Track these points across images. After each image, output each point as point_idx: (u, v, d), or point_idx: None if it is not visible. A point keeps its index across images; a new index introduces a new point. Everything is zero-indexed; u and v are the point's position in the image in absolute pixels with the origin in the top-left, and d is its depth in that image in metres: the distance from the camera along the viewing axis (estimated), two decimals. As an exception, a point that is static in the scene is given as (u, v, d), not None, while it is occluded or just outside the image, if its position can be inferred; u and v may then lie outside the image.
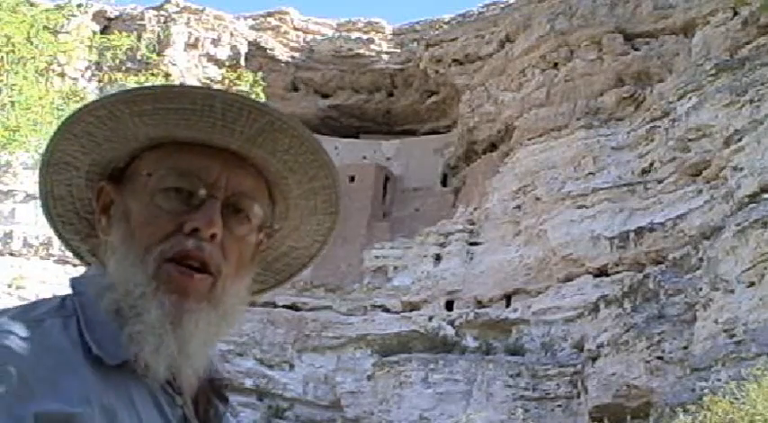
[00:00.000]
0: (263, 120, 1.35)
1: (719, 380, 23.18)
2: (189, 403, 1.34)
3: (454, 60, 50.10)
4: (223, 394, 1.41)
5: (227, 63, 48.88)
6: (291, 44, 53.82)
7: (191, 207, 1.32)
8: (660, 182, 37.19)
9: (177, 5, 50.76)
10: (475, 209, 45.45)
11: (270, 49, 52.78)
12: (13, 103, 10.02)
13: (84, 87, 25.19)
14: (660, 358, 29.71)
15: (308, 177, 1.42)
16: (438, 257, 44.30)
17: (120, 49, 13.55)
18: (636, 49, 42.12)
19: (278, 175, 1.41)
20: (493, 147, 47.64)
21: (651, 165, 38.22)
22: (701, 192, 34.95)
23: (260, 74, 17.70)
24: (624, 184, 38.63)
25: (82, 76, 39.65)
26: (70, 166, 1.41)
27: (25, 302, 1.35)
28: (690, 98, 36.10)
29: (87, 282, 1.35)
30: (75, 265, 40.73)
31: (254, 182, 1.38)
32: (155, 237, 1.32)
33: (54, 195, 1.43)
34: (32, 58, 10.40)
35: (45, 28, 10.78)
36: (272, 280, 1.54)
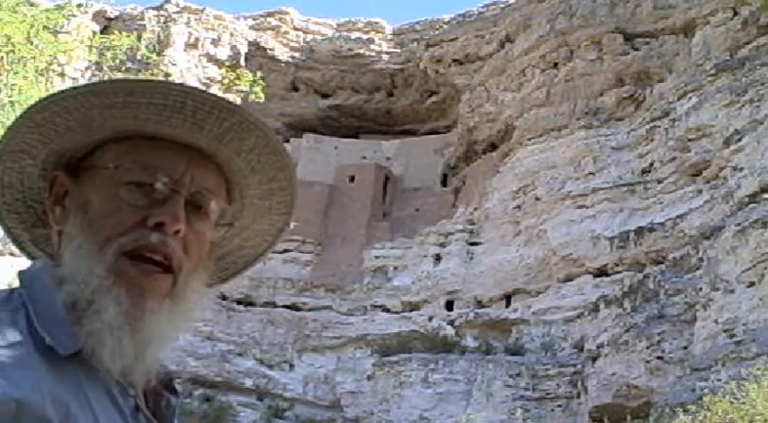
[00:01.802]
0: (233, 119, 1.35)
1: (719, 380, 23.16)
2: (140, 395, 1.34)
3: (454, 60, 50.10)
4: (173, 387, 1.41)
5: (227, 63, 48.93)
6: (291, 44, 53.82)
7: (154, 202, 1.32)
8: (660, 182, 37.18)
9: (177, 5, 50.77)
10: (475, 209, 45.45)
11: (270, 49, 52.78)
12: (12, 103, 10.01)
13: (84, 87, 25.12)
14: (660, 358, 29.69)
15: (268, 178, 1.43)
16: (438, 257, 44.29)
17: (120, 49, 13.55)
18: (636, 49, 42.11)
19: (240, 174, 1.42)
20: (493, 147, 47.63)
21: (651, 165, 38.22)
22: (700, 192, 34.94)
23: (260, 74, 17.70)
24: (624, 184, 38.63)
25: (82, 76, 39.62)
26: (26, 154, 1.39)
27: None
28: (690, 98, 36.10)
29: (36, 274, 1.33)
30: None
31: (215, 179, 1.39)
32: (116, 229, 1.31)
33: (3, 183, 1.42)
34: (32, 58, 10.39)
35: (45, 28, 10.77)
36: (214, 277, 1.51)
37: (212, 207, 1.38)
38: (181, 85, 1.34)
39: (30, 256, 1.48)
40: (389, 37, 54.21)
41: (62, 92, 1.34)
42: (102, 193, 1.34)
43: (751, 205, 28.78)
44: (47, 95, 1.35)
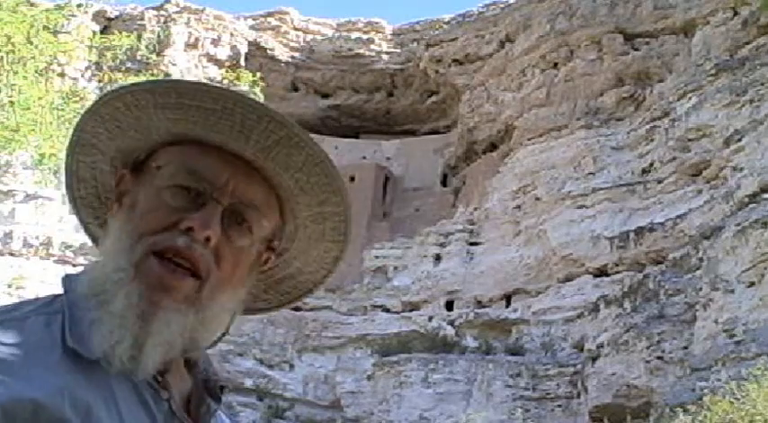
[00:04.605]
0: (281, 132, 1.33)
1: (719, 380, 23.16)
2: (176, 398, 1.32)
3: (454, 60, 50.11)
4: (216, 393, 1.40)
5: (227, 63, 48.95)
6: (291, 44, 53.82)
7: (191, 206, 1.32)
8: (660, 182, 37.18)
9: (177, 5, 50.77)
10: (475, 209, 45.45)
11: (270, 49, 52.78)
12: (12, 103, 10.01)
13: (85, 87, 25.17)
14: (660, 358, 29.69)
15: (319, 201, 1.40)
16: (438, 257, 44.28)
17: (120, 49, 13.56)
18: (636, 49, 42.11)
19: (289, 192, 1.39)
20: (493, 147, 47.64)
21: (651, 165, 38.21)
22: (700, 192, 34.94)
23: (260, 74, 17.73)
24: (624, 184, 38.62)
25: (82, 76, 39.62)
26: (96, 150, 1.41)
27: (16, 301, 1.34)
28: (690, 98, 36.10)
29: (77, 278, 1.34)
30: (74, 265, 40.71)
31: (264, 195, 1.37)
32: (150, 227, 1.31)
33: (79, 176, 1.44)
34: (32, 58, 10.39)
35: (45, 28, 10.77)
36: (275, 300, 1.52)
37: (261, 223, 1.36)
38: (232, 91, 1.33)
39: None
40: (389, 37, 54.22)
41: (122, 88, 1.35)
42: (147, 193, 1.34)
43: (751, 205, 28.78)
44: (111, 89, 1.37)
